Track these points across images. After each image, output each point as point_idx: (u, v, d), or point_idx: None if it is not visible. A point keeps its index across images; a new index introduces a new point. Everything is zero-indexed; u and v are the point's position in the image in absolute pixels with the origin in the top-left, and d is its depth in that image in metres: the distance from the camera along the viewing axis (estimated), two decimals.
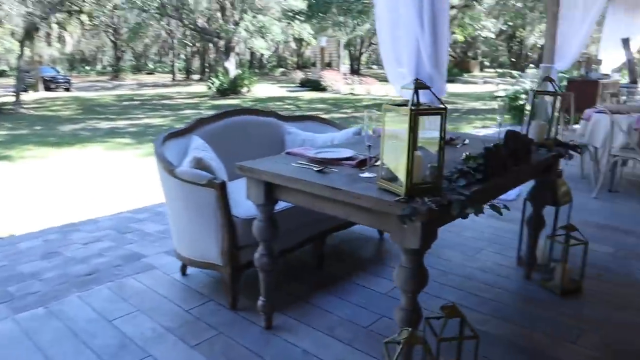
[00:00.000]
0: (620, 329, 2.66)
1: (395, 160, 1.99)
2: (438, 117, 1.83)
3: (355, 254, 3.62)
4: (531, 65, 38.83)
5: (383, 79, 28.82)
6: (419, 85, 1.81)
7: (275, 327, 2.60)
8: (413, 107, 1.76)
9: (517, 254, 3.41)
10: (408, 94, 4.86)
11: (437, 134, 1.91)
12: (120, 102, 19.01)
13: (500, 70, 33.16)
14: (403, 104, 1.94)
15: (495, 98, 18.63)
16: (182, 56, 38.79)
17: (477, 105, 18.32)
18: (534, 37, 31.70)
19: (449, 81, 4.60)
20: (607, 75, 9.37)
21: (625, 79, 10.54)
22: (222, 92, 20.15)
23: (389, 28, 4.75)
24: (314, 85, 24.25)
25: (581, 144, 5.78)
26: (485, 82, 26.80)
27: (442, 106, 1.83)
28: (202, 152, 3.00)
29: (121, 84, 29.33)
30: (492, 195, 2.27)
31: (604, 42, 10.53)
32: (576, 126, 6.04)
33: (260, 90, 22.60)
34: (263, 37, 24.95)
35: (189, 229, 2.83)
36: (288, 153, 2.63)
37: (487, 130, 10.78)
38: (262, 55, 37.12)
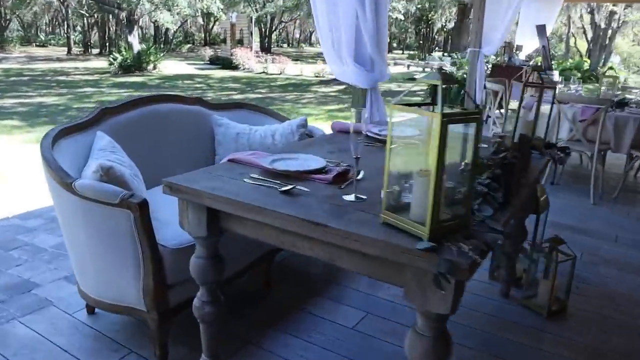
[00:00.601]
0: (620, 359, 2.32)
1: (400, 180, 1.44)
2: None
3: (304, 273, 3.04)
4: (437, 48, 39.92)
5: (296, 58, 28.19)
6: (445, 77, 1.24)
7: None
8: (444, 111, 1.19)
9: (490, 267, 3.00)
10: (347, 77, 4.28)
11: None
12: (7, 78, 16.83)
13: (410, 52, 33.66)
14: (417, 103, 1.37)
15: (410, 79, 18.71)
16: (79, 28, 35.59)
17: (392, 86, 18.24)
18: (443, 20, 32.37)
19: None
20: (527, 62, 9.43)
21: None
22: (126, 69, 18.48)
23: (324, 3, 4.16)
24: (225, 63, 23.13)
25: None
26: (395, 64, 26.95)
27: (475, 109, 1.28)
28: (111, 154, 2.26)
29: (7, 57, 26.18)
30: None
31: (520, 28, 10.64)
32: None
33: (167, 67, 21.11)
34: (169, 10, 23.26)
35: (95, 263, 2.09)
36: (232, 160, 1.97)
37: (410, 115, 10.54)
38: (167, 30, 34.95)
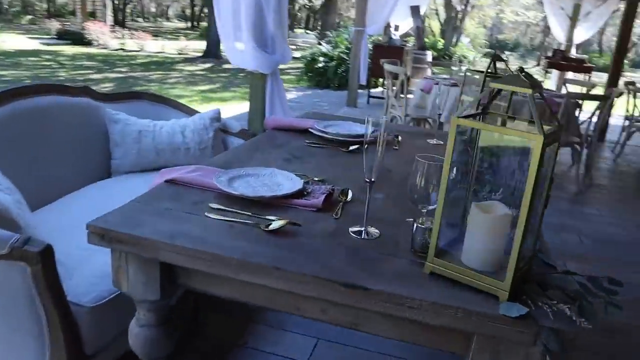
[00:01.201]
0: None
1: (455, 213, 1.09)
2: None
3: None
4: (297, 25, 39.90)
5: (155, 34, 26.31)
6: (533, 82, 0.90)
7: None
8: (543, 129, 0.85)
9: None
10: (245, 62, 3.80)
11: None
12: None
13: None
14: (475, 113, 1.02)
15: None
16: None
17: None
18: None
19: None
20: (406, 42, 9.56)
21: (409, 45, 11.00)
22: None
23: None
24: (75, 38, 20.80)
25: (420, 116, 5.54)
26: None
27: (557, 122, 0.97)
28: None
29: None
30: None
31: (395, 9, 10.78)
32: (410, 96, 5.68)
33: (5, 41, 18.40)
34: None
35: None
36: (171, 181, 1.46)
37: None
38: None
